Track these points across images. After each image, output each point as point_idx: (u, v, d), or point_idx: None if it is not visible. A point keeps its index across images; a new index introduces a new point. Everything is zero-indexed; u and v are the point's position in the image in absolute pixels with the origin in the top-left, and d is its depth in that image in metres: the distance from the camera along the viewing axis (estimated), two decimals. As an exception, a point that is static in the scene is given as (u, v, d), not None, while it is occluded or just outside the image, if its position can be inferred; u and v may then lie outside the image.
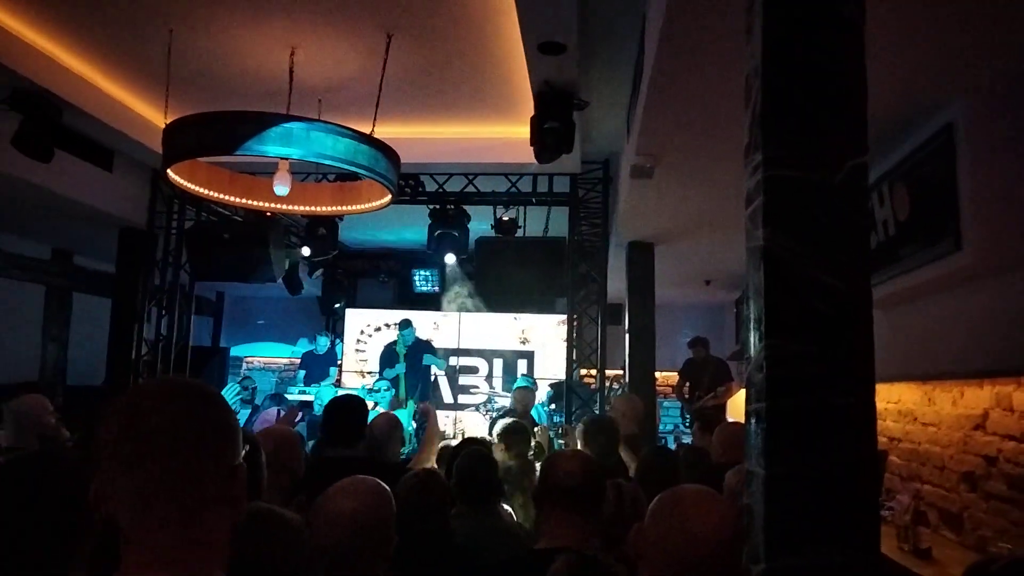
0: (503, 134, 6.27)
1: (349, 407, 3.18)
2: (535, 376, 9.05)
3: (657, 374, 7.35)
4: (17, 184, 5.70)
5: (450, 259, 7.38)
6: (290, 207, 5.23)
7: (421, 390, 8.00)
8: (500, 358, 9.34)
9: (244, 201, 5.01)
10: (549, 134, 4.91)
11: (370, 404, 4.85)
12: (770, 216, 1.76)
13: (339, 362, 9.64)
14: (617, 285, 7.47)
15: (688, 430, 8.52)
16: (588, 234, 7.37)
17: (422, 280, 10.13)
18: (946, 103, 3.42)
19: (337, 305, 10.80)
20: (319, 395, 8.22)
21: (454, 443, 4.21)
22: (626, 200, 5.76)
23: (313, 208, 5.33)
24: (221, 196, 4.93)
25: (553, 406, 7.92)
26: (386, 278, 11.11)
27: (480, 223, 7.35)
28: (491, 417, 7.50)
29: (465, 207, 7.21)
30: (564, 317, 7.60)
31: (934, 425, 4.12)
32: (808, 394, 1.69)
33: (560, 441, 5.66)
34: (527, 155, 5.31)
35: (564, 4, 3.86)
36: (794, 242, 1.74)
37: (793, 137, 1.79)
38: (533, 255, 7.13)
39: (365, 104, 4.92)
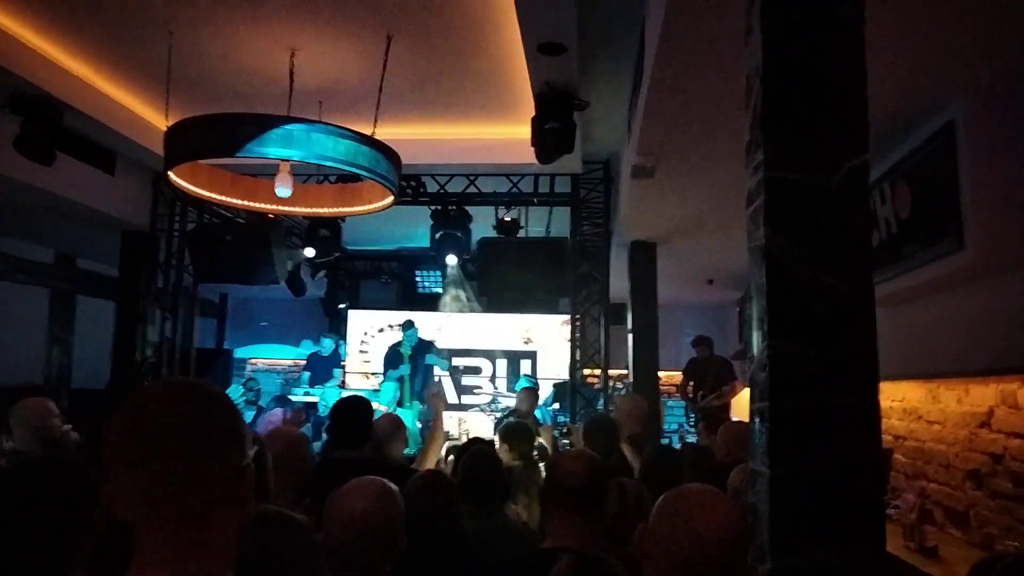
0: (504, 135, 6.27)
1: (354, 408, 3.18)
2: (539, 376, 9.05)
3: (661, 374, 7.35)
4: (19, 187, 5.71)
5: (451, 260, 7.38)
6: (292, 209, 5.24)
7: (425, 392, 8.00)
8: (504, 358, 9.34)
9: (246, 203, 5.02)
10: (550, 134, 4.91)
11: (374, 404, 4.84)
12: (771, 216, 1.77)
13: (343, 363, 9.65)
14: (620, 285, 7.46)
15: (692, 429, 8.52)
16: (590, 234, 7.37)
17: (425, 281, 10.12)
18: (947, 102, 3.41)
19: (341, 307, 10.81)
20: (324, 396, 8.22)
21: (459, 443, 4.21)
22: (627, 200, 5.76)
23: (315, 209, 5.34)
24: (223, 198, 4.94)
25: (557, 405, 7.92)
26: (389, 279, 11.12)
27: (482, 224, 7.35)
28: (495, 417, 7.50)
29: (467, 208, 7.21)
30: (567, 317, 7.60)
31: (939, 423, 4.12)
32: (811, 394, 1.70)
33: (565, 441, 5.66)
34: (528, 155, 5.31)
35: (564, 5, 3.86)
36: (795, 242, 1.74)
37: (793, 137, 1.79)
38: (535, 255, 7.13)
39: (366, 105, 4.92)
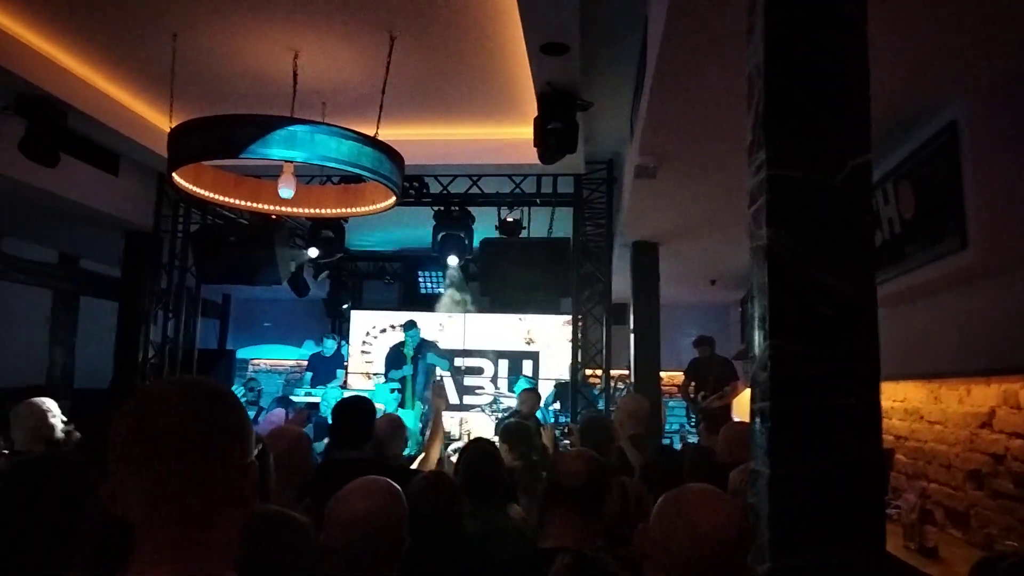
0: (507, 135, 6.27)
1: (356, 409, 3.18)
2: (541, 376, 9.05)
3: (662, 374, 7.35)
4: (23, 189, 5.73)
5: (452, 261, 7.39)
6: (295, 209, 5.25)
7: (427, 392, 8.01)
8: (505, 359, 9.34)
9: (249, 204, 5.03)
10: (552, 135, 4.91)
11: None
12: (773, 215, 1.77)
13: (345, 364, 9.66)
14: (622, 285, 7.46)
15: (694, 430, 8.51)
16: (592, 234, 7.37)
17: (427, 281, 10.13)
18: (949, 102, 3.41)
19: (344, 307, 10.83)
20: (326, 397, 8.23)
21: (459, 444, 4.20)
22: (630, 200, 5.76)
23: (318, 210, 5.34)
24: (226, 199, 4.95)
25: (558, 405, 7.92)
26: (391, 280, 11.13)
27: (485, 224, 7.36)
28: (496, 418, 7.51)
29: (469, 208, 7.22)
30: (569, 317, 7.59)
31: (940, 423, 4.11)
32: (812, 394, 1.70)
33: (566, 441, 5.66)
34: (531, 156, 5.31)
35: (566, 5, 3.86)
36: (797, 242, 1.75)
37: (795, 137, 1.79)
38: (537, 256, 7.13)
39: (369, 106, 4.93)
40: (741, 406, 7.71)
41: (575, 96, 4.90)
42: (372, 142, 4.23)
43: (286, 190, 4.56)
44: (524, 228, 7.47)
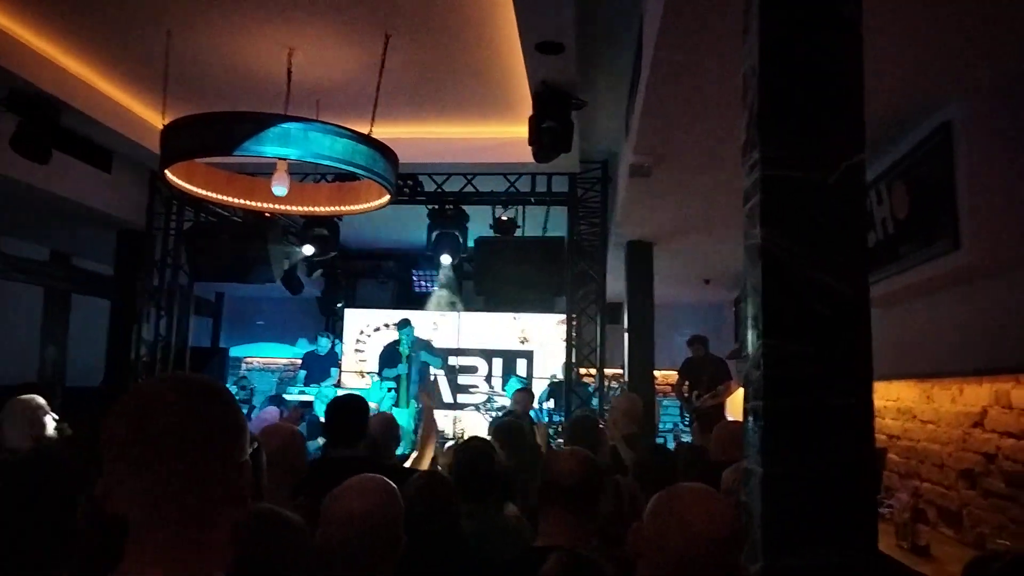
0: (501, 134, 6.27)
1: (349, 407, 3.17)
2: (535, 375, 9.06)
3: (656, 373, 7.36)
4: (15, 186, 5.70)
5: (445, 260, 7.39)
6: (288, 207, 5.23)
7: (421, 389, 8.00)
8: (500, 357, 9.34)
9: (242, 202, 5.01)
10: (547, 134, 4.91)
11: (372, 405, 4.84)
12: (767, 214, 1.77)
13: (339, 362, 9.64)
14: (616, 284, 7.47)
15: (687, 429, 8.52)
16: (587, 234, 7.37)
17: (422, 280, 10.12)
18: (944, 102, 3.42)
19: (338, 305, 10.80)
20: (320, 395, 8.21)
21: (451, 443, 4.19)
22: (625, 199, 5.76)
23: (311, 208, 5.33)
24: (219, 197, 4.92)
25: (552, 403, 7.93)
26: (385, 278, 11.11)
27: (479, 223, 7.35)
28: (491, 417, 7.51)
29: (464, 207, 7.21)
30: (563, 316, 7.60)
31: (933, 423, 4.13)
32: (805, 393, 1.70)
33: (560, 440, 5.67)
34: (526, 155, 5.31)
35: (562, 4, 3.86)
36: (791, 241, 1.75)
37: (790, 136, 1.79)
38: (532, 255, 7.14)
39: (363, 104, 4.92)
40: (734, 405, 7.72)
41: (570, 95, 4.90)
42: (366, 140, 4.22)
43: (279, 188, 4.54)
44: (519, 227, 7.47)
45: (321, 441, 4.39)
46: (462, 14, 4.39)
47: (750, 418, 1.78)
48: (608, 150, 6.88)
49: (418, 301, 9.92)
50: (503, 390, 8.42)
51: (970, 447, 3.71)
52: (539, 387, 8.47)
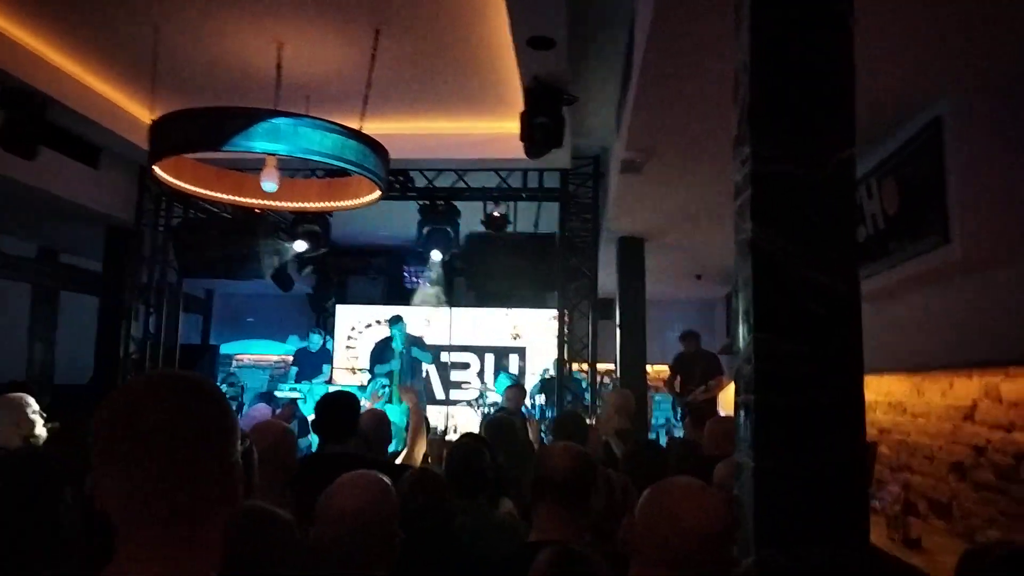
0: (493, 129, 6.25)
1: (339, 403, 3.16)
2: (528, 371, 9.06)
3: (648, 368, 7.37)
4: (1, 181, 5.64)
5: (435, 256, 7.36)
6: (278, 203, 5.20)
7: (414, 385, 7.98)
8: (492, 353, 9.34)
9: (232, 197, 4.98)
10: (539, 129, 4.90)
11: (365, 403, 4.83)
12: (758, 209, 1.77)
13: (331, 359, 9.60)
14: (608, 280, 7.47)
15: (680, 424, 8.54)
16: (578, 229, 7.37)
17: (413, 276, 10.09)
18: (935, 98, 3.43)
19: (331, 302, 10.76)
20: (311, 392, 8.18)
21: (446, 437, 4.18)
22: (616, 195, 5.76)
23: (302, 204, 5.30)
24: (208, 192, 4.89)
25: (543, 398, 7.93)
26: (376, 274, 11.08)
27: (470, 219, 7.33)
28: (482, 413, 7.51)
29: (455, 203, 7.19)
30: (555, 312, 7.60)
31: (923, 416, 4.15)
32: (797, 387, 1.70)
33: (551, 436, 5.67)
34: (517, 151, 5.29)
35: (553, -2, 3.85)
36: (782, 235, 1.75)
37: (781, 131, 1.80)
38: (524, 250, 7.13)
39: (353, 100, 4.89)
40: (726, 400, 7.75)
41: (562, 91, 4.89)
42: (356, 135, 4.20)
43: (269, 184, 4.52)
44: (510, 223, 7.46)
45: (314, 438, 4.37)
46: (453, 8, 4.37)
47: (741, 412, 1.79)
48: (600, 146, 6.88)
49: (409, 297, 9.90)
50: (494, 387, 8.42)
51: (960, 440, 3.73)
52: (532, 383, 8.47)
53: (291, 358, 9.74)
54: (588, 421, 5.08)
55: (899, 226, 3.84)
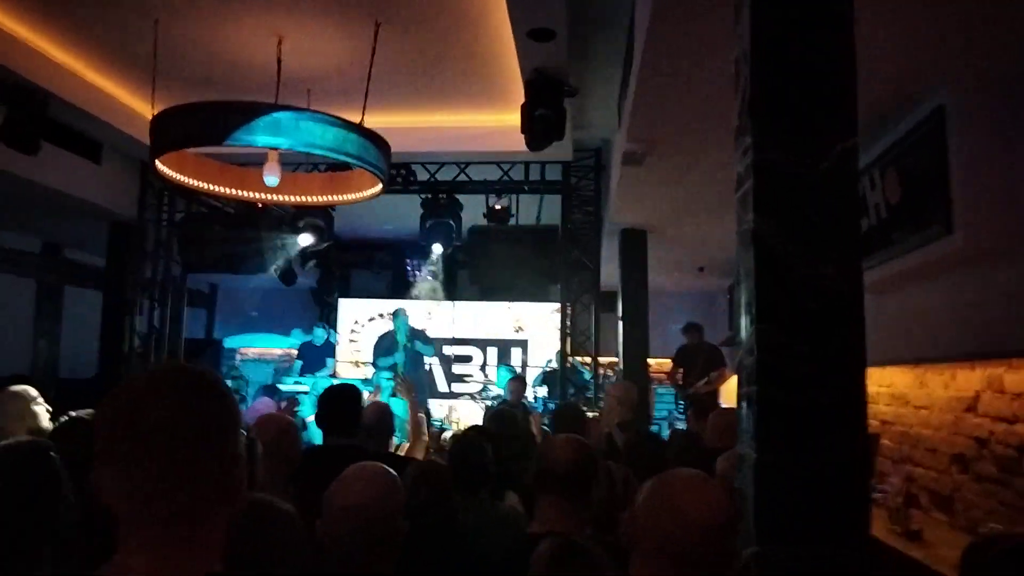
0: (494, 122, 6.24)
1: (343, 396, 3.16)
2: (530, 364, 9.07)
3: (651, 360, 7.37)
4: (4, 177, 5.65)
5: (437, 249, 7.36)
6: (281, 197, 5.20)
7: (415, 378, 7.99)
8: (494, 346, 9.34)
9: (234, 192, 4.97)
10: (540, 122, 4.89)
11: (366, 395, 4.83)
12: (760, 200, 1.77)
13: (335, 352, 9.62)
14: (610, 272, 7.47)
15: (682, 416, 8.55)
16: (580, 222, 7.36)
17: (416, 269, 10.09)
18: (937, 88, 3.42)
19: (334, 296, 10.78)
20: (316, 386, 8.20)
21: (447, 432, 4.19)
22: (618, 187, 5.75)
23: (304, 198, 5.29)
24: (211, 187, 4.89)
25: (545, 389, 7.94)
26: (379, 268, 11.08)
27: (473, 212, 7.33)
28: (485, 405, 7.52)
29: (457, 196, 7.18)
30: (558, 305, 7.60)
31: (926, 408, 4.15)
32: (799, 378, 1.70)
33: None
34: (519, 143, 5.28)
35: (554, -10, 3.83)
36: (783, 226, 1.75)
37: (782, 122, 1.79)
38: (526, 243, 7.13)
39: (354, 93, 4.88)
40: (728, 392, 7.75)
41: (563, 82, 4.87)
42: (358, 129, 4.19)
43: (271, 178, 4.51)
44: (512, 216, 7.45)
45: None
46: (453, 1, 4.36)
47: (744, 403, 1.79)
48: (601, 138, 6.86)
49: (411, 291, 9.91)
50: (496, 382, 8.44)
51: (962, 432, 3.73)
52: (534, 376, 8.48)
53: (295, 352, 9.76)
54: (591, 414, 5.09)
55: (902, 216, 3.83)
